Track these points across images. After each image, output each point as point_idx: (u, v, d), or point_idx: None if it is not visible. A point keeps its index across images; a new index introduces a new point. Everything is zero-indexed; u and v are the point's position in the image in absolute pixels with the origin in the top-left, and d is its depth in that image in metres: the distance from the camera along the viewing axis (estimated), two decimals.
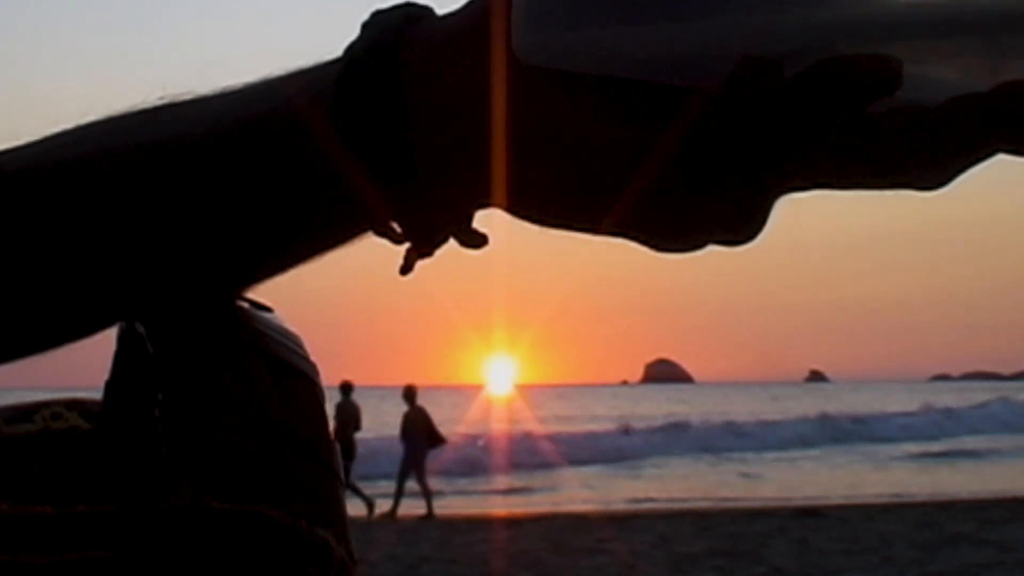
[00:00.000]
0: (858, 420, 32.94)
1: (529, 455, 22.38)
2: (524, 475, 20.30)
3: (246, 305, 0.53)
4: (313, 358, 0.54)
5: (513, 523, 12.60)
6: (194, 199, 0.47)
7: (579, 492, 17.87)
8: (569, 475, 20.49)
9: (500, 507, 15.00)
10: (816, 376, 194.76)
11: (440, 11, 0.47)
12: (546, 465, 21.51)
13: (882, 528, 11.27)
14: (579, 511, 14.18)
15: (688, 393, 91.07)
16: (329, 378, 0.55)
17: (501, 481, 19.23)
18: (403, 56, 0.45)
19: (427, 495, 13.50)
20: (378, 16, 0.47)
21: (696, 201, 0.43)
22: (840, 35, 0.39)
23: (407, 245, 0.49)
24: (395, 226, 0.48)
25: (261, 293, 0.53)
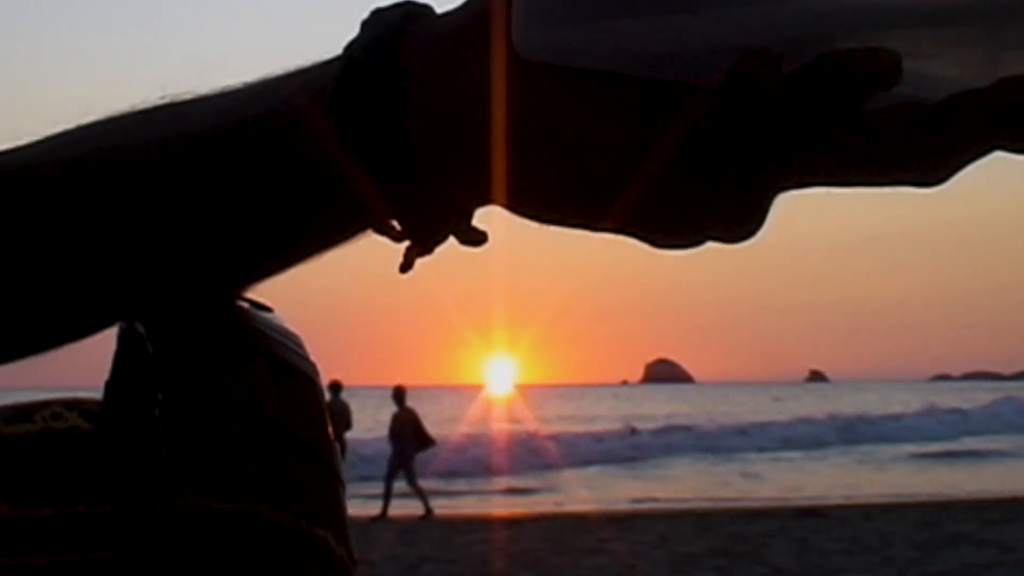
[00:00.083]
0: (865, 421, 32.93)
1: (530, 456, 22.38)
2: (525, 476, 20.30)
3: (246, 305, 0.53)
4: (313, 358, 0.54)
5: (513, 523, 12.61)
6: (194, 198, 0.47)
7: (580, 492, 17.86)
8: (571, 476, 20.48)
9: (501, 507, 14.99)
10: (816, 376, 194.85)
11: (440, 9, 0.47)
12: (548, 466, 21.50)
13: (882, 528, 11.27)
14: (579, 511, 14.18)
15: (689, 393, 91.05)
16: (328, 378, 0.55)
17: (503, 482, 19.22)
18: (402, 54, 0.45)
19: (421, 495, 13.49)
20: (378, 15, 0.47)
21: (696, 197, 0.43)
22: (839, 26, 0.39)
23: (407, 243, 0.49)
24: (395, 224, 0.48)
25: (261, 293, 0.53)
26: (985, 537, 10.48)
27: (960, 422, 33.50)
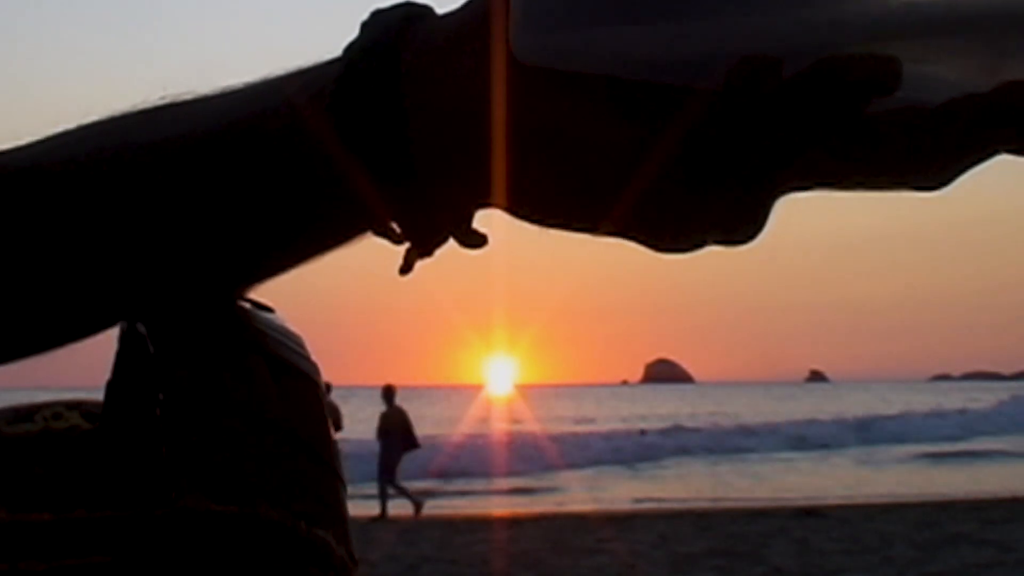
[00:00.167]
0: (874, 421, 32.90)
1: (539, 457, 22.36)
2: (526, 476, 20.28)
3: (247, 305, 0.53)
4: (314, 358, 0.54)
5: (513, 523, 12.60)
6: (194, 199, 0.47)
7: (590, 493, 17.85)
8: (579, 476, 20.47)
9: (502, 508, 14.99)
10: (816, 376, 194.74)
11: (440, 10, 0.47)
12: (561, 466, 21.47)
13: (882, 528, 11.27)
14: (579, 511, 14.18)
15: (690, 393, 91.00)
16: (329, 378, 0.55)
17: (508, 483, 19.20)
18: (403, 55, 0.45)
19: (407, 495, 13.46)
20: (378, 16, 0.47)
21: (696, 201, 0.43)
22: (840, 35, 0.39)
23: (407, 245, 0.49)
24: (395, 226, 0.48)
25: (261, 293, 0.53)
26: (985, 537, 10.47)
27: (972, 422, 33.49)
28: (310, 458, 0.50)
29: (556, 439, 25.56)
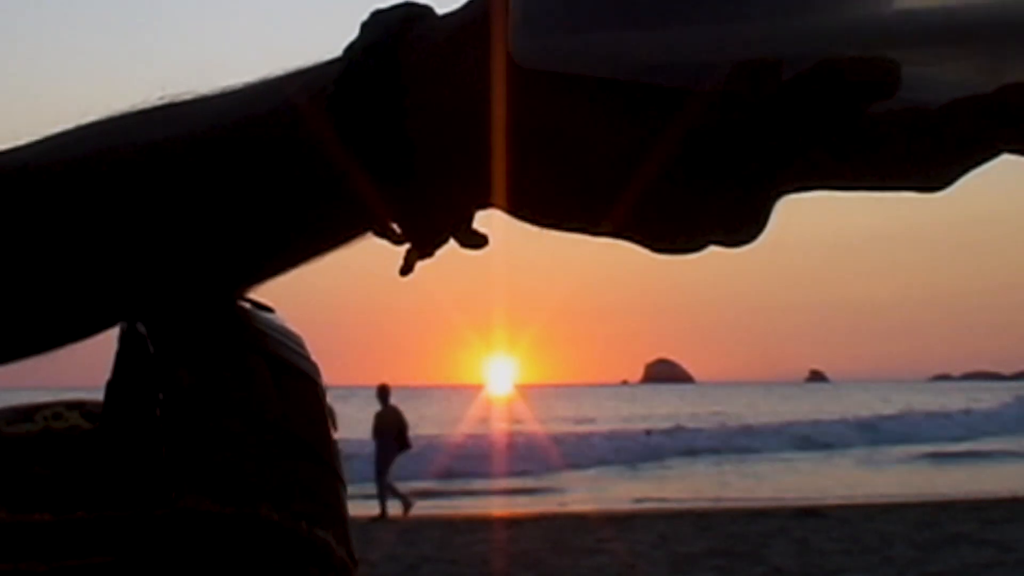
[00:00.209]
0: (882, 421, 32.89)
1: (531, 456, 22.36)
2: (527, 476, 20.28)
3: (247, 305, 0.53)
4: (314, 358, 0.54)
5: (513, 523, 12.60)
6: (194, 199, 0.47)
7: (599, 493, 17.85)
8: (574, 476, 20.47)
9: (503, 508, 14.99)
10: (816, 376, 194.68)
11: (441, 11, 0.47)
12: (550, 467, 21.47)
13: (882, 528, 11.27)
14: (579, 511, 14.17)
15: (691, 393, 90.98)
16: (329, 378, 0.55)
17: (505, 483, 19.20)
18: (403, 56, 0.45)
19: (393, 493, 13.44)
20: (378, 16, 0.47)
21: (696, 202, 0.43)
22: (840, 41, 0.39)
23: (407, 245, 0.49)
24: (395, 227, 0.48)
25: (261, 293, 0.53)
26: (985, 537, 10.47)
27: (976, 422, 33.50)
28: (310, 458, 0.50)
29: (557, 439, 25.55)
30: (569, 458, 22.21)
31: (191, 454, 0.47)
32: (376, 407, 14.06)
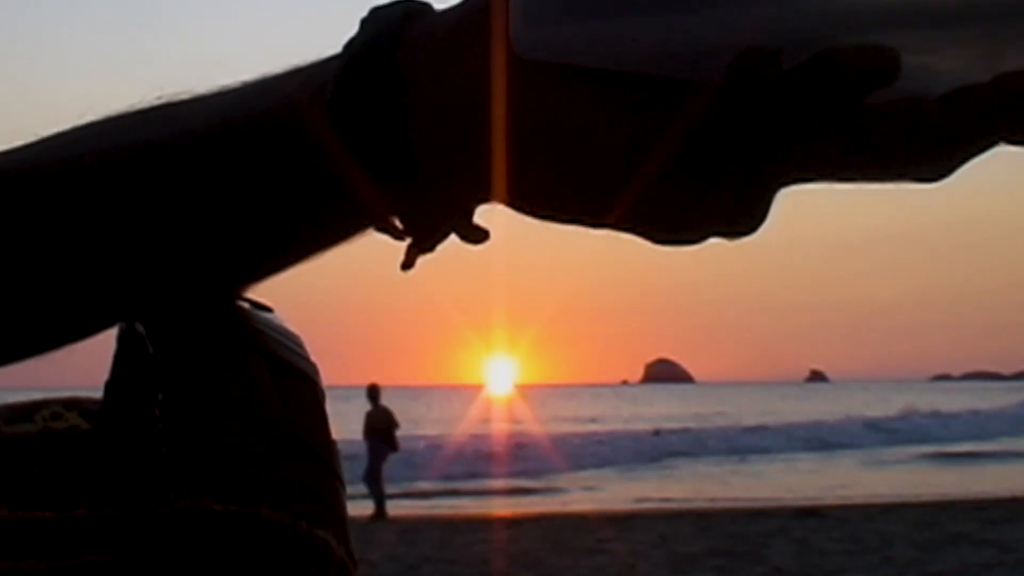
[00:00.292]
0: (885, 421, 32.88)
1: (531, 456, 22.36)
2: (527, 476, 20.29)
3: (246, 305, 0.53)
4: (313, 358, 0.54)
5: (513, 523, 12.60)
6: (193, 198, 0.47)
7: (584, 493, 17.85)
8: (574, 477, 20.46)
9: (503, 508, 14.99)
10: (816, 376, 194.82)
11: (439, 7, 0.47)
12: (550, 467, 21.46)
13: (882, 528, 11.27)
14: (579, 511, 14.18)
15: (692, 393, 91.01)
16: (328, 378, 0.55)
17: (505, 483, 19.21)
18: (402, 52, 0.45)
19: (373, 493, 13.45)
20: (377, 12, 0.46)
21: (697, 193, 0.43)
22: (839, 26, 0.39)
23: (408, 241, 0.49)
24: (396, 222, 0.48)
25: (261, 293, 0.53)
26: (985, 537, 10.47)
27: (981, 422, 33.50)
28: (310, 458, 0.50)
29: (557, 439, 25.56)
30: (569, 458, 22.21)
31: (191, 454, 0.47)
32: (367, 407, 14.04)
